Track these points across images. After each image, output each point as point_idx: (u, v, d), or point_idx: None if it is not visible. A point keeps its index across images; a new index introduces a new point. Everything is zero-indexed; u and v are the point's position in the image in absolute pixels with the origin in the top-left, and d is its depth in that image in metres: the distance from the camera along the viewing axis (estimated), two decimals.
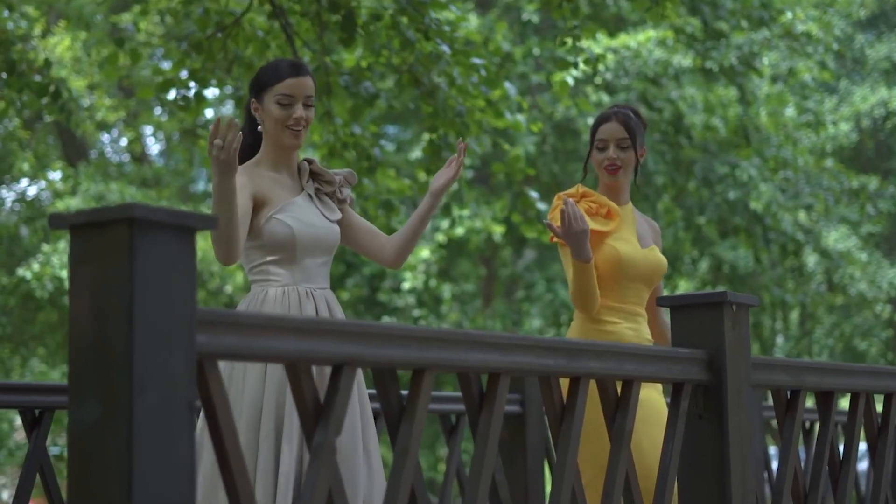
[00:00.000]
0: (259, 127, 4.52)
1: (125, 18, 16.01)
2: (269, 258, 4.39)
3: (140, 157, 20.14)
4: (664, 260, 5.14)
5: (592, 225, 4.98)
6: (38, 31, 14.70)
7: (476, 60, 7.52)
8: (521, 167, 8.42)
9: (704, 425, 3.68)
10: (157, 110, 20.51)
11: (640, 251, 5.05)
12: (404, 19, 7.28)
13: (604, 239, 5.01)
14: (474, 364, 3.02)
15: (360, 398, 4.37)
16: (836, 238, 23.79)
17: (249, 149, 4.57)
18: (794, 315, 27.64)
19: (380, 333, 2.81)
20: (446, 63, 7.38)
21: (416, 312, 18.27)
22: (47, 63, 8.71)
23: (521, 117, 8.21)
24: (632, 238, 5.08)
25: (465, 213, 17.20)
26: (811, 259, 22.64)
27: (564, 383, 3.42)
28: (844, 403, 18.42)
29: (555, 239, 5.01)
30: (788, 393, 4.10)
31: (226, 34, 7.90)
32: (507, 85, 8.14)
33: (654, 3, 7.38)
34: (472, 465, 3.08)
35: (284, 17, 7.69)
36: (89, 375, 2.31)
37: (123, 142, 20.44)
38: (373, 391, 5.04)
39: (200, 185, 22.10)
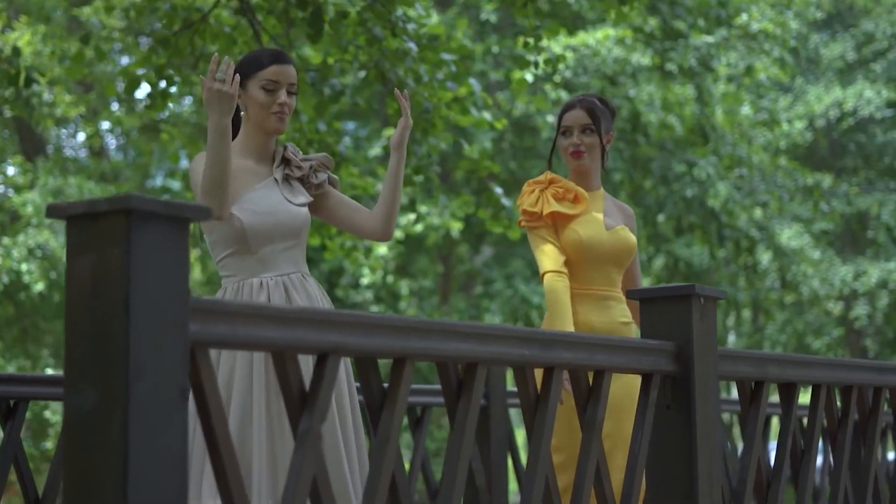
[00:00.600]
0: (242, 113, 4.60)
1: (86, 13, 15.98)
2: (227, 251, 4.48)
3: (99, 151, 20.10)
4: (632, 239, 5.25)
5: (558, 208, 5.10)
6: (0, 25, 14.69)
7: (445, 56, 7.61)
8: (487, 164, 8.51)
9: (672, 415, 3.77)
10: (115, 105, 20.50)
11: (604, 233, 5.16)
12: (371, 16, 7.35)
13: (569, 223, 5.13)
14: (452, 353, 3.10)
15: (350, 389, 4.46)
16: (790, 236, 24.02)
17: None
18: (747, 312, 27.88)
19: (362, 323, 2.88)
20: (413, 60, 7.46)
21: (374, 308, 18.35)
22: (16, 51, 8.69)
23: (486, 114, 8.30)
24: (598, 221, 5.19)
25: (425, 209, 17.29)
26: (765, 257, 22.86)
27: (539, 374, 3.51)
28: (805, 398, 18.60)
29: (523, 224, 5.15)
30: (753, 384, 4.20)
31: (193, 30, 7.94)
32: (471, 81, 8.23)
33: (621, 2, 7.46)
34: (448, 453, 3.16)
35: (252, 14, 7.74)
36: (86, 363, 2.38)
37: (81, 137, 20.40)
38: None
39: (158, 181, 22.09)
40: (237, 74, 4.16)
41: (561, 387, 3.54)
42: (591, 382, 3.61)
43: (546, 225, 5.13)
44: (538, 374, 3.50)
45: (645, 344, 3.70)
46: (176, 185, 21.33)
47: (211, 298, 2.59)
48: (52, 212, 2.46)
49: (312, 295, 4.50)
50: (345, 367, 4.46)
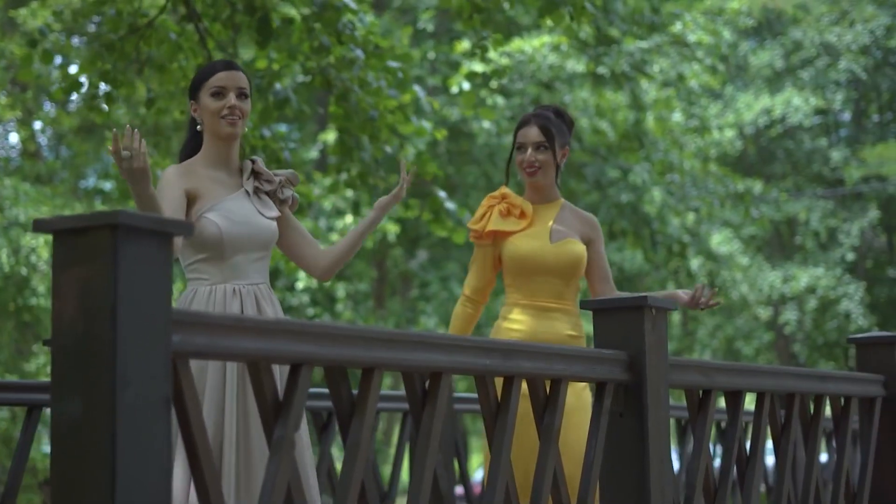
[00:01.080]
0: (199, 127, 4.66)
1: (23, 14, 15.94)
2: (199, 256, 4.53)
3: (34, 153, 20.02)
4: (577, 251, 5.33)
5: (502, 226, 5.24)
6: None
7: (392, 64, 7.71)
8: (432, 169, 8.62)
9: (626, 422, 3.88)
10: (47, 105, 20.41)
11: (547, 246, 5.29)
12: (318, 24, 7.43)
13: (509, 238, 5.28)
14: (419, 363, 3.20)
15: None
16: (720, 241, 24.27)
17: (193, 153, 4.72)
18: (676, 317, 28.11)
19: (334, 334, 2.97)
20: (359, 67, 7.55)
21: (311, 311, 18.40)
22: None
23: (426, 123, 8.41)
24: (542, 234, 5.31)
25: (365, 211, 17.40)
26: (695, 262, 23.10)
27: (498, 383, 3.61)
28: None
29: (471, 238, 5.33)
30: (700, 393, 4.32)
31: (138, 36, 7.99)
32: (416, 88, 8.33)
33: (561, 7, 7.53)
34: (415, 460, 3.25)
35: (198, 19, 7.79)
36: (73, 373, 2.44)
37: (13, 137, 20.31)
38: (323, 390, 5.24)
39: (91, 181, 22.02)
40: (143, 141, 4.19)
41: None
42: (548, 391, 3.72)
43: (485, 244, 5.31)
44: (498, 382, 3.60)
45: (600, 354, 3.81)
46: (108, 185, 21.30)
47: (192, 311, 2.67)
48: (40, 226, 2.53)
49: (276, 306, 4.58)
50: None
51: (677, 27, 19.18)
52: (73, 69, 9.26)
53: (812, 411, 5.05)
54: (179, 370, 2.63)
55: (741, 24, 25.17)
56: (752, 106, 27.16)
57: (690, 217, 20.63)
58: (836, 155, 28.11)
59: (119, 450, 2.39)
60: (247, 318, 2.78)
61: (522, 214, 5.33)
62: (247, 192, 4.66)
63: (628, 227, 19.14)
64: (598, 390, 3.87)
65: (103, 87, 8.27)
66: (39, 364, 16.52)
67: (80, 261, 2.46)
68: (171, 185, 4.48)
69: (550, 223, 5.37)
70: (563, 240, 5.35)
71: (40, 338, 16.71)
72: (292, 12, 7.66)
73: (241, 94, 4.66)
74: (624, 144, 19.31)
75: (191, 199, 4.53)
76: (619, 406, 3.90)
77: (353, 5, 7.58)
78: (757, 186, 22.84)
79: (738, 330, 27.26)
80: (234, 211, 4.56)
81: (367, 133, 7.74)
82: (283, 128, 19.57)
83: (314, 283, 17.95)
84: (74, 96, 8.90)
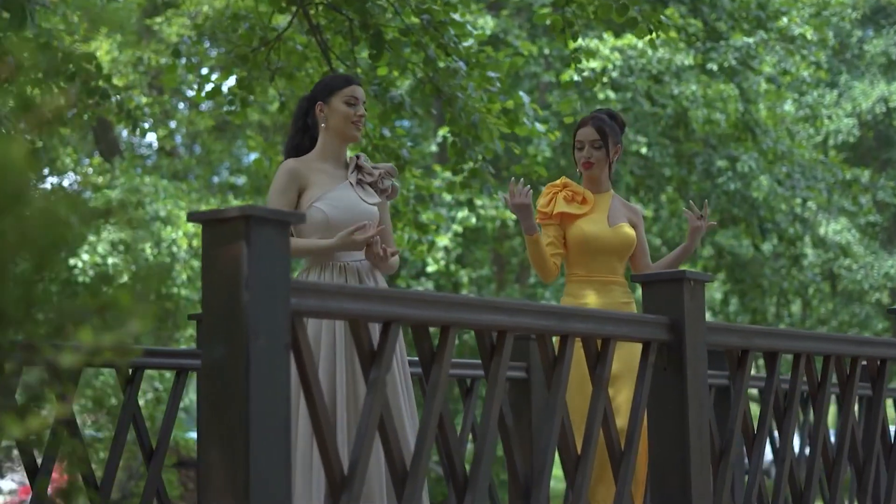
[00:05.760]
0: (322, 125, 5.58)
1: (157, 22, 17.05)
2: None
3: (171, 151, 21.19)
4: (631, 234, 6.27)
5: (568, 209, 6.13)
6: (80, 35, 15.77)
7: (491, 74, 8.58)
8: (538, 169, 9.49)
9: (668, 376, 4.68)
10: (181, 105, 21.57)
11: (607, 229, 6.24)
12: (426, 38, 8.31)
13: (575, 220, 6.18)
14: (487, 323, 4.03)
15: (403, 363, 5.43)
16: (836, 230, 24.54)
17: (295, 150, 5.65)
18: (796, 307, 28.39)
19: (417, 299, 3.81)
20: (462, 77, 8.41)
21: None
22: (98, 67, 9.64)
23: (539, 126, 9.23)
24: (602, 219, 6.24)
25: (480, 202, 18.25)
26: (810, 250, 23.45)
27: (557, 342, 4.43)
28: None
29: (538, 220, 6.24)
30: (740, 353, 5.09)
31: (269, 48, 8.95)
32: (521, 94, 9.14)
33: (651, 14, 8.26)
34: (486, 398, 4.08)
35: (320, 34, 8.72)
36: (218, 326, 3.31)
37: (153, 137, 21.48)
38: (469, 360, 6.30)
39: (224, 176, 23.17)
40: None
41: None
42: (599, 349, 4.53)
43: (554, 223, 6.17)
44: (556, 341, 4.43)
45: (644, 317, 4.61)
46: (240, 180, 22.42)
47: (306, 280, 3.53)
48: (192, 217, 3.41)
49: (378, 278, 5.47)
50: (400, 346, 5.41)
51: (783, 21, 19.71)
52: (204, 71, 10.22)
53: (848, 372, 5.77)
54: (297, 326, 3.49)
55: (847, 18, 25.52)
56: (869, 94, 27.45)
57: (797, 203, 21.07)
58: None
59: (251, 382, 3.25)
60: (348, 286, 3.64)
61: (584, 200, 6.25)
62: (350, 183, 5.56)
63: (739, 213, 19.72)
64: (644, 348, 4.66)
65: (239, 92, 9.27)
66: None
67: (223, 243, 3.32)
68: (285, 188, 5.48)
69: (607, 210, 6.24)
70: (618, 224, 6.23)
71: (179, 328, 17.82)
72: (401, 26, 8.53)
73: (364, 106, 5.61)
74: (735, 134, 19.87)
75: (302, 190, 5.51)
76: (662, 362, 4.69)
77: (458, 18, 8.44)
78: (865, 175, 23.19)
79: (854, 316, 27.51)
80: (339, 198, 5.49)
81: (471, 135, 8.61)
82: (405, 124, 20.51)
83: (441, 267, 18.73)
84: (204, 98, 9.92)
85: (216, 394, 3.30)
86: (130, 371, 5.97)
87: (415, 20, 8.41)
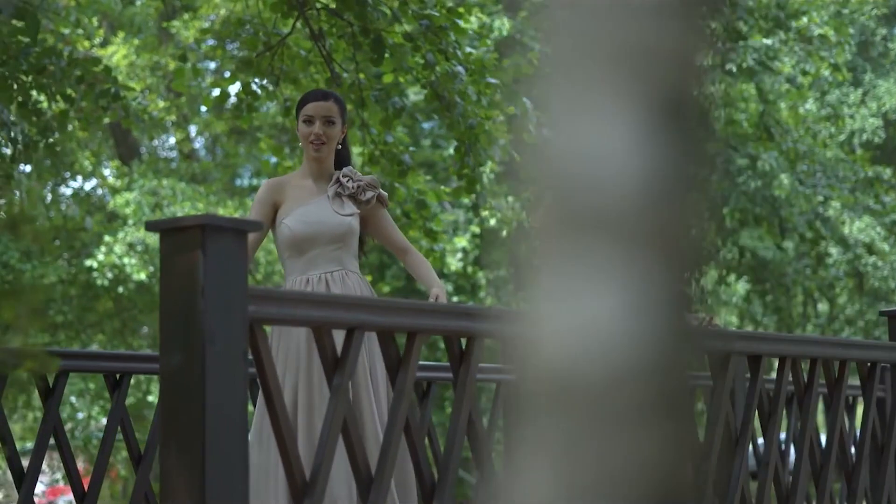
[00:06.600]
0: (301, 143, 5.67)
1: (175, 25, 17.15)
2: (285, 254, 5.59)
3: (189, 154, 21.29)
4: None
5: None
6: (98, 40, 15.91)
7: (491, 80, 8.58)
8: None
9: None
10: (203, 108, 21.66)
11: None
12: (427, 44, 8.32)
13: None
14: (454, 329, 4.05)
15: (373, 367, 5.42)
16: (861, 228, 24.44)
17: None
18: (823, 306, 28.25)
19: (381, 306, 3.84)
20: (461, 82, 8.41)
21: (455, 299, 19.33)
22: (107, 70, 9.69)
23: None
24: None
25: (486, 213, 18.31)
26: (834, 249, 23.36)
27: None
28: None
29: None
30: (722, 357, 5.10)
31: (272, 53, 8.99)
32: (524, 100, 9.11)
33: None
34: (454, 404, 4.10)
35: (323, 39, 8.75)
36: (175, 332, 3.34)
37: (171, 140, 21.58)
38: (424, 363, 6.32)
39: (245, 181, 23.27)
40: None
41: None
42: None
43: None
44: None
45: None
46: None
47: (265, 287, 3.56)
48: (150, 227, 3.44)
49: (350, 287, 5.46)
50: (371, 354, 5.40)
51: (803, 21, 19.67)
52: (209, 77, 10.27)
53: (836, 375, 5.77)
54: (256, 332, 3.52)
55: (867, 16, 25.42)
56: (894, 92, 27.29)
57: (818, 201, 21.01)
58: None
59: (207, 387, 3.28)
60: (310, 293, 3.67)
61: None
62: (328, 196, 5.57)
63: (761, 213, 19.69)
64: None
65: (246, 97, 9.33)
66: None
67: (180, 251, 3.36)
68: (261, 201, 5.56)
69: None
70: None
71: None
72: (401, 30, 8.55)
73: (328, 122, 5.60)
74: (756, 134, 19.84)
75: (277, 205, 5.56)
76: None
77: (461, 24, 8.46)
78: (886, 172, 23.12)
79: (881, 318, 27.32)
80: (308, 213, 5.51)
81: (470, 141, 8.61)
82: (426, 125, 20.52)
83: (459, 268, 18.76)
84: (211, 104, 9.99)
85: (174, 399, 3.34)
86: (118, 376, 6.03)
87: (413, 25, 8.43)
